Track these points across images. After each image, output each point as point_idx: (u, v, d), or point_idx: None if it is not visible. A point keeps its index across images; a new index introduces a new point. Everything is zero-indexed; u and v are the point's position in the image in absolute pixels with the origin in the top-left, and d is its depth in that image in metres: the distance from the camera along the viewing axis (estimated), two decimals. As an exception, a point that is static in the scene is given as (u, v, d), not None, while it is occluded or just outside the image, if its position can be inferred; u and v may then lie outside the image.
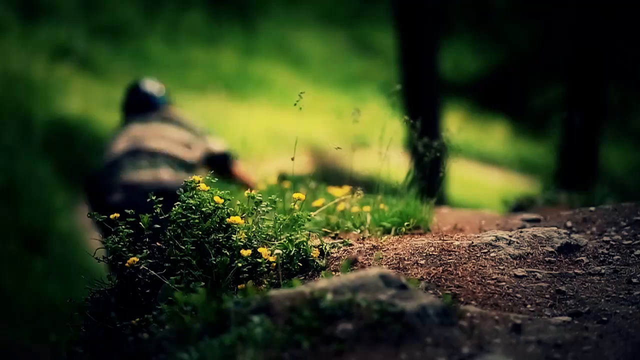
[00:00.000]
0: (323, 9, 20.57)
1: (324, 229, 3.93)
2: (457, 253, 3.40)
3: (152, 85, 7.22)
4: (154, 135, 6.68)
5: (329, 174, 8.44)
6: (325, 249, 3.46)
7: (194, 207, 3.31)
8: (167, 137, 6.69)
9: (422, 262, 3.34)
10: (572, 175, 10.45)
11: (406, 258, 3.38)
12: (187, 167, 6.56)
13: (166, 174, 6.42)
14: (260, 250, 3.27)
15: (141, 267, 3.27)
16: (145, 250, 3.32)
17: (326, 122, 15.66)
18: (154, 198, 3.36)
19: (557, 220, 4.07)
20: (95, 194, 6.51)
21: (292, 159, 3.66)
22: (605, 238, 3.70)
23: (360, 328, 2.58)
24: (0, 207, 9.49)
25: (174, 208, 3.32)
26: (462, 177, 13.88)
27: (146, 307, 3.20)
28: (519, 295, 3.12)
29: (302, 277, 3.30)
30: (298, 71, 18.34)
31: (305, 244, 3.36)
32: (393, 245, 3.55)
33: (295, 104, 3.50)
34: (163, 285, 3.16)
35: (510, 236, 3.56)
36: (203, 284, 3.13)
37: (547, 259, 3.47)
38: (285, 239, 3.36)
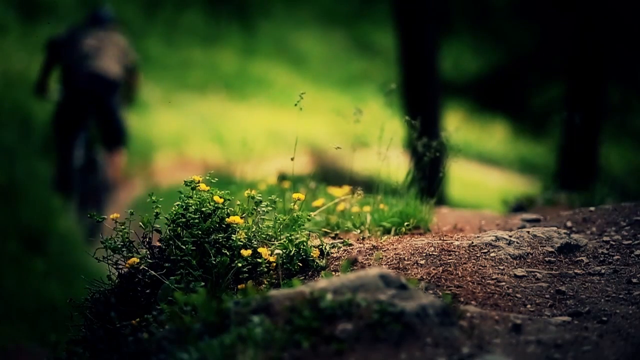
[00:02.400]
0: (323, 9, 20.56)
1: (324, 229, 3.93)
2: (457, 253, 3.40)
3: (108, 10, 9.41)
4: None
5: (329, 174, 8.44)
6: (325, 249, 3.46)
7: (194, 207, 3.31)
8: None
9: (422, 262, 3.34)
10: (572, 175, 10.45)
11: (406, 258, 3.38)
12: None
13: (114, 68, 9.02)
14: (260, 250, 3.27)
15: (141, 267, 3.26)
16: (144, 251, 3.33)
17: (326, 122, 15.66)
18: (154, 198, 3.36)
19: (557, 220, 4.07)
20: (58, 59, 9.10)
21: (292, 159, 3.66)
22: (605, 238, 3.70)
23: (360, 328, 2.58)
24: (0, 207, 9.49)
25: (173, 208, 3.32)
26: (462, 177, 13.89)
27: (146, 307, 3.19)
28: (519, 295, 3.12)
29: (302, 277, 3.30)
30: (298, 71, 18.35)
31: (305, 244, 3.36)
32: (393, 245, 3.55)
33: (295, 104, 3.50)
34: (163, 285, 3.16)
35: (510, 236, 3.56)
36: (203, 284, 3.13)
37: (547, 259, 3.47)
38: (285, 239, 3.36)
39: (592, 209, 4.12)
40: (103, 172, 9.40)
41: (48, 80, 9.32)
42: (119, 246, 3.30)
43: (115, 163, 9.46)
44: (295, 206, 3.51)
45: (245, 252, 3.21)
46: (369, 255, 3.44)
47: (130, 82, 9.49)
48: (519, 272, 3.31)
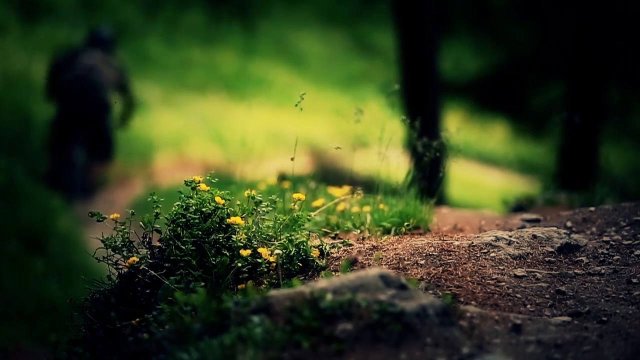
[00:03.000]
0: (323, 9, 20.56)
1: (323, 229, 3.93)
2: (457, 253, 3.40)
3: (105, 30, 10.26)
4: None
5: (329, 174, 8.44)
6: (325, 249, 3.46)
7: (194, 207, 3.31)
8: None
9: (422, 262, 3.34)
10: (572, 175, 10.44)
11: (406, 258, 3.38)
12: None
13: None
14: (260, 250, 3.27)
15: (141, 267, 3.26)
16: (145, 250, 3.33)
17: (326, 122, 15.66)
18: (154, 198, 3.36)
19: (557, 220, 4.07)
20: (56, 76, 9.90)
21: (292, 159, 3.66)
22: (605, 238, 3.70)
23: (360, 328, 2.58)
24: (0, 207, 9.49)
25: (173, 208, 3.32)
26: (462, 177, 13.89)
27: (146, 307, 3.19)
28: (519, 295, 3.12)
29: (302, 277, 3.30)
30: (298, 71, 18.34)
31: (305, 244, 3.36)
32: (393, 245, 3.55)
33: (296, 105, 3.50)
34: (163, 285, 3.16)
35: (510, 236, 3.56)
36: (203, 284, 3.13)
37: (547, 259, 3.47)
38: (285, 239, 3.36)
39: (592, 209, 4.12)
40: (82, 177, 10.16)
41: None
42: (119, 246, 3.30)
43: (98, 172, 10.42)
44: (295, 206, 3.51)
45: (245, 252, 3.21)
46: (369, 255, 3.44)
47: (124, 105, 10.27)
48: (519, 272, 3.31)
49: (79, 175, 10.06)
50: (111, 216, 3.33)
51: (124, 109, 10.38)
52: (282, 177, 4.76)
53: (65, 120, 9.98)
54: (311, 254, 3.37)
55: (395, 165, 4.12)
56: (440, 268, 3.26)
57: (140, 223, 3.35)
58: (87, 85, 9.81)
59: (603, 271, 3.36)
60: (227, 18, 16.29)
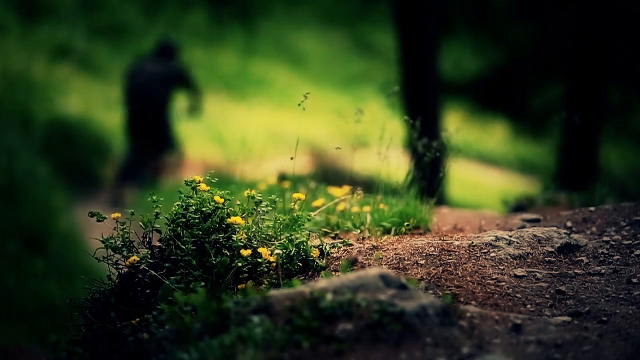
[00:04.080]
0: (323, 9, 20.57)
1: (324, 229, 3.93)
2: (457, 253, 3.40)
3: (169, 41, 11.81)
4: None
5: (329, 174, 8.44)
6: (325, 249, 3.46)
7: (194, 207, 3.31)
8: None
9: (422, 262, 3.34)
10: (572, 175, 10.44)
11: (406, 258, 3.38)
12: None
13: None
14: (260, 250, 3.27)
15: (141, 267, 3.26)
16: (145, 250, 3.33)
17: (326, 122, 15.67)
18: (154, 198, 3.37)
19: (557, 220, 4.07)
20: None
21: (292, 159, 3.66)
22: (605, 238, 3.70)
23: (360, 328, 2.58)
24: (0, 207, 9.49)
25: (173, 208, 3.32)
26: (462, 177, 13.89)
27: (146, 307, 3.19)
28: (519, 295, 3.12)
29: (302, 277, 3.30)
30: (298, 71, 18.35)
31: (305, 244, 3.36)
32: (393, 245, 3.55)
33: (299, 105, 3.50)
34: (163, 285, 3.16)
35: (510, 236, 3.56)
36: (203, 284, 3.13)
37: (547, 259, 3.47)
38: (285, 239, 3.36)
39: (592, 209, 4.12)
40: (144, 170, 11.60)
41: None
42: (119, 246, 3.30)
43: (159, 166, 11.78)
44: (295, 206, 3.51)
45: (245, 252, 3.21)
46: (369, 255, 3.44)
47: (191, 98, 11.90)
48: (519, 272, 3.31)
49: (141, 168, 11.50)
50: (112, 216, 3.33)
51: (191, 102, 11.93)
52: (282, 177, 4.76)
53: (131, 119, 11.45)
54: (311, 254, 3.37)
55: (395, 165, 4.12)
56: (440, 268, 3.26)
57: (140, 223, 3.35)
58: (146, 89, 11.27)
59: (603, 271, 3.36)
60: (228, 18, 16.30)
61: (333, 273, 3.25)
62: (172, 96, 11.75)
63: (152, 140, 11.54)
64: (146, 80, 11.31)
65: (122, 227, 3.32)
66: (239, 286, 3.16)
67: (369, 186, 4.23)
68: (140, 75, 11.38)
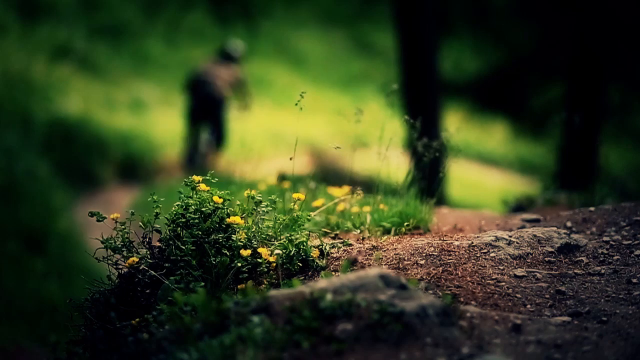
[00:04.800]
0: (323, 9, 20.57)
1: (323, 229, 3.93)
2: (457, 253, 3.40)
3: (231, 47, 13.21)
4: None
5: (329, 174, 8.45)
6: (325, 249, 3.46)
7: (194, 207, 3.31)
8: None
9: (422, 262, 3.34)
10: (572, 175, 10.44)
11: (406, 258, 3.38)
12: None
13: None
14: (260, 250, 3.27)
15: (141, 268, 3.26)
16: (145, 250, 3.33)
17: (326, 122, 15.67)
18: (154, 198, 3.37)
19: (557, 220, 4.07)
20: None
21: (292, 159, 3.66)
22: (605, 238, 3.70)
23: (360, 328, 2.58)
24: (0, 207, 9.49)
25: (173, 208, 3.32)
26: (462, 177, 13.89)
27: (146, 307, 3.19)
28: (518, 296, 3.12)
29: (302, 277, 3.30)
30: (298, 71, 18.35)
31: (305, 244, 3.36)
32: (393, 245, 3.55)
33: (296, 104, 3.50)
34: (163, 285, 3.16)
35: (510, 236, 3.56)
36: (203, 284, 3.13)
37: (547, 259, 3.47)
38: (285, 239, 3.35)
39: (592, 209, 4.12)
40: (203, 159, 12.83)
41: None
42: (119, 246, 3.30)
43: (211, 157, 12.83)
44: (295, 206, 3.51)
45: (245, 252, 3.21)
46: (369, 255, 3.43)
47: (241, 98, 13.11)
48: (519, 272, 3.31)
49: (200, 157, 12.66)
50: (111, 216, 3.33)
51: (241, 102, 13.12)
52: (282, 177, 4.76)
53: (191, 113, 12.79)
54: (311, 254, 3.37)
55: (395, 165, 4.12)
56: (440, 268, 3.26)
57: (140, 223, 3.35)
58: (205, 88, 12.53)
59: (603, 271, 3.36)
60: (230, 18, 16.30)
61: (333, 273, 3.25)
62: (229, 96, 12.93)
63: (210, 133, 12.87)
64: (209, 80, 12.60)
65: (121, 227, 3.32)
66: (238, 286, 3.16)
67: (369, 186, 4.23)
68: (205, 75, 12.68)
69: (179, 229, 3.29)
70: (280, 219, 3.47)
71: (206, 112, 12.68)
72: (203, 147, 12.85)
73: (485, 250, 3.44)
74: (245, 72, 13.42)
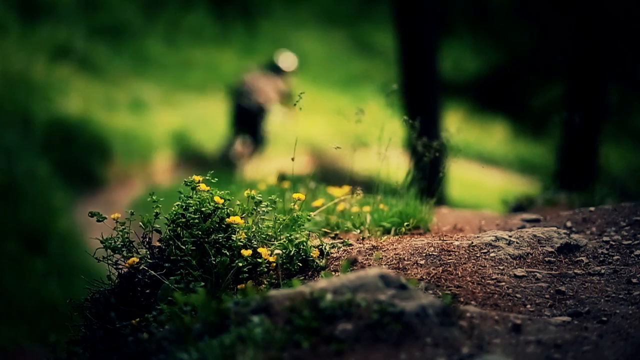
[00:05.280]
0: (323, 9, 20.56)
1: (323, 229, 3.93)
2: (457, 253, 3.40)
3: (280, 60, 13.89)
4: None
5: (329, 174, 8.45)
6: (325, 249, 3.46)
7: (194, 207, 3.31)
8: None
9: (422, 262, 3.34)
10: (572, 175, 10.43)
11: (406, 258, 3.38)
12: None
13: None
14: (260, 250, 3.27)
15: (141, 267, 3.26)
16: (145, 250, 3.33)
17: (326, 122, 15.66)
18: (154, 198, 3.37)
19: (557, 220, 4.07)
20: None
21: (292, 159, 3.66)
22: (605, 238, 3.70)
23: (360, 328, 2.58)
24: (0, 207, 9.49)
25: (173, 208, 3.32)
26: (462, 177, 13.89)
27: (146, 307, 3.19)
28: (518, 295, 3.12)
29: (302, 277, 3.30)
30: (298, 71, 18.32)
31: (305, 244, 3.36)
32: (393, 245, 3.55)
33: (295, 104, 3.50)
34: (163, 285, 3.16)
35: (510, 236, 3.56)
36: (203, 284, 3.13)
37: (547, 259, 3.47)
38: (285, 239, 3.35)
39: (592, 209, 4.12)
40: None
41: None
42: (119, 246, 3.30)
43: (245, 159, 13.49)
44: (295, 206, 3.51)
45: (245, 252, 3.21)
46: (369, 255, 3.43)
47: (285, 107, 13.76)
48: (519, 272, 3.31)
49: (235, 157, 13.38)
50: (111, 216, 3.33)
51: (285, 109, 13.72)
52: (282, 177, 4.76)
53: (231, 120, 13.72)
54: (311, 254, 3.37)
55: (395, 165, 4.12)
56: (440, 268, 3.26)
57: (140, 223, 3.35)
58: (243, 99, 13.37)
59: (603, 271, 3.36)
60: (230, 18, 16.31)
61: (333, 273, 3.25)
62: (269, 107, 13.62)
63: (251, 135, 13.67)
64: (248, 91, 13.38)
65: (121, 227, 3.32)
66: (238, 286, 3.16)
67: (369, 186, 4.23)
68: (245, 85, 13.47)
69: (179, 229, 3.29)
70: (280, 219, 3.47)
71: (243, 122, 13.44)
72: (238, 149, 13.47)
73: (485, 250, 3.44)
74: (291, 85, 13.83)
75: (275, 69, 13.69)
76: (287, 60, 13.89)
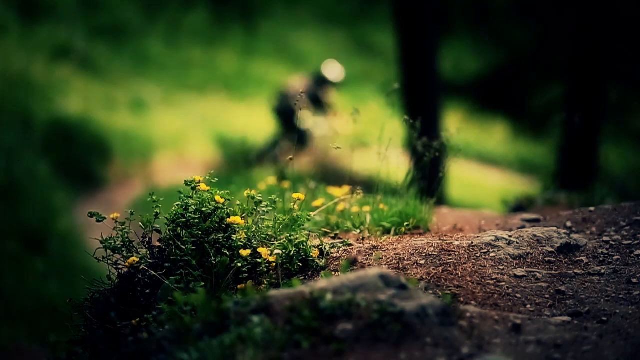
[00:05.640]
0: (323, 9, 20.56)
1: (323, 229, 3.93)
2: (457, 253, 3.40)
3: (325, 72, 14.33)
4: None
5: (329, 174, 8.45)
6: (325, 249, 3.46)
7: (194, 207, 3.31)
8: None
9: (422, 262, 3.34)
10: (572, 175, 10.42)
11: (406, 258, 3.38)
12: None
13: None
14: (260, 250, 3.27)
15: (141, 267, 3.26)
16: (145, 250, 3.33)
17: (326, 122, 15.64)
18: (154, 198, 3.37)
19: (557, 220, 4.07)
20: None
21: (292, 159, 3.66)
22: (605, 238, 3.70)
23: (360, 328, 2.58)
24: (0, 207, 9.49)
25: (173, 208, 3.32)
26: (462, 177, 13.88)
27: (146, 307, 3.19)
28: (518, 295, 3.12)
29: (302, 277, 3.30)
30: (298, 71, 18.32)
31: (305, 244, 3.36)
32: (393, 245, 3.55)
33: (295, 104, 3.50)
34: (163, 285, 3.16)
35: (510, 236, 3.56)
36: (203, 284, 3.13)
37: (546, 259, 3.47)
38: (285, 239, 3.35)
39: (592, 209, 4.12)
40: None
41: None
42: (119, 246, 3.30)
43: (294, 154, 13.49)
44: (295, 206, 3.51)
45: (245, 252, 3.21)
46: (369, 255, 3.43)
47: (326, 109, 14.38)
48: (519, 272, 3.31)
49: (273, 157, 13.66)
50: (111, 216, 3.33)
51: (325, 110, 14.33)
52: (282, 177, 4.76)
53: (280, 117, 14.07)
54: (311, 254, 3.37)
55: (395, 165, 4.12)
56: (440, 268, 3.26)
57: (140, 223, 3.35)
58: (286, 102, 13.75)
59: (603, 271, 3.36)
60: (230, 18, 16.31)
61: (333, 273, 3.25)
62: (311, 110, 14.11)
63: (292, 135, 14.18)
64: (291, 95, 13.73)
65: (121, 227, 3.32)
66: (238, 286, 3.16)
67: (369, 186, 4.23)
68: (288, 88, 13.90)
69: (179, 229, 3.29)
70: (280, 219, 3.47)
71: (285, 124, 13.93)
72: (277, 150, 13.88)
73: (485, 250, 3.44)
74: (331, 96, 14.25)
75: (321, 79, 14.13)
76: (334, 71, 14.32)
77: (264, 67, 17.80)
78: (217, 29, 17.34)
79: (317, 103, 14.11)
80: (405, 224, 3.97)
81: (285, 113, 13.94)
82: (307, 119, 14.01)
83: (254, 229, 3.39)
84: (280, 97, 14.10)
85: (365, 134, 12.96)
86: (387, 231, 3.93)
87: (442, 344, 2.58)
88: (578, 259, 3.50)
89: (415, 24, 10.68)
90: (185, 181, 3.39)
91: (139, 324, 3.04)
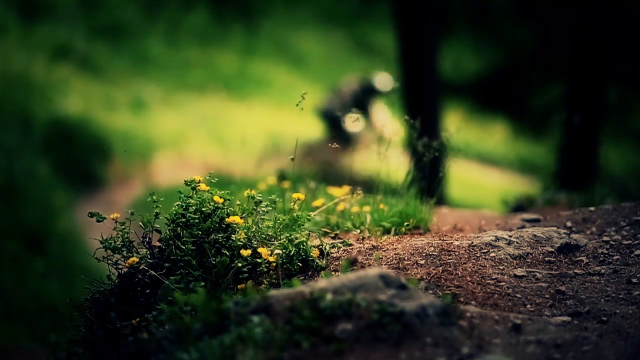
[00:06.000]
0: (323, 9, 20.56)
1: (323, 229, 3.93)
2: (457, 253, 3.40)
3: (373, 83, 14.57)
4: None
5: (329, 174, 8.45)
6: (325, 249, 3.46)
7: (194, 207, 3.31)
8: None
9: (422, 262, 3.34)
10: (572, 175, 10.43)
11: (406, 258, 3.38)
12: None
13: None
14: (260, 250, 3.27)
15: (141, 267, 3.26)
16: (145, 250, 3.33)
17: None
18: (154, 198, 3.37)
19: (557, 220, 4.07)
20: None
21: (292, 159, 3.66)
22: (605, 238, 3.70)
23: (360, 328, 2.58)
24: (0, 207, 9.49)
25: (173, 208, 3.32)
26: (462, 177, 13.88)
27: (146, 307, 3.19)
28: (518, 295, 3.12)
29: (302, 277, 3.30)
30: (298, 71, 18.34)
31: (305, 244, 3.36)
32: (393, 245, 3.55)
33: (297, 105, 3.50)
34: (163, 285, 3.16)
35: (510, 236, 3.56)
36: (203, 284, 3.13)
37: (547, 259, 3.47)
38: (285, 239, 3.35)
39: (592, 209, 4.12)
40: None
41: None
42: (119, 246, 3.30)
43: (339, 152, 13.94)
44: (295, 206, 3.51)
45: (245, 252, 3.21)
46: (369, 255, 3.43)
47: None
48: (519, 272, 3.31)
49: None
50: (111, 216, 3.33)
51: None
52: (282, 177, 4.76)
53: (323, 119, 14.77)
54: (311, 254, 3.37)
55: (395, 165, 4.12)
56: (440, 268, 3.26)
57: (140, 223, 3.35)
58: (335, 104, 14.34)
59: (603, 271, 3.36)
60: (230, 18, 16.31)
61: (333, 273, 3.25)
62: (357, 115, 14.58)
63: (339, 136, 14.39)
64: (335, 100, 14.45)
65: (121, 227, 3.32)
66: (238, 286, 3.16)
67: (369, 186, 4.23)
68: (340, 93, 14.60)
69: (179, 229, 3.29)
70: (280, 219, 3.47)
71: (332, 126, 14.41)
72: (331, 147, 14.32)
73: (485, 250, 3.44)
74: (380, 105, 14.59)
75: (369, 87, 14.51)
76: (383, 81, 14.55)
77: (264, 67, 17.79)
78: (217, 29, 17.34)
79: (364, 109, 14.48)
80: (405, 224, 3.97)
81: (332, 116, 14.41)
82: (354, 124, 14.50)
83: (254, 229, 3.39)
84: (329, 99, 14.57)
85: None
86: (387, 231, 3.93)
87: (442, 344, 2.58)
88: (578, 259, 3.50)
89: (415, 24, 10.68)
90: (185, 181, 3.39)
91: (139, 324, 3.04)
